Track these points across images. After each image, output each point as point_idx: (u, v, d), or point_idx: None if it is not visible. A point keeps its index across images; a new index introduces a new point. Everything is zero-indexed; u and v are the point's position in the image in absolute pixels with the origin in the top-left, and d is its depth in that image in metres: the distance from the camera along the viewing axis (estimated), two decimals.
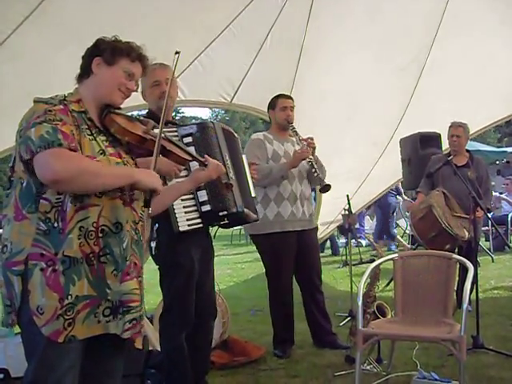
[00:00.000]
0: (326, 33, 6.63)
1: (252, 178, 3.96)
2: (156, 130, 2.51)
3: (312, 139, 4.96)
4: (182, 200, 3.41)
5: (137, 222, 2.44)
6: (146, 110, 3.92)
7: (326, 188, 4.93)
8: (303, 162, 4.94)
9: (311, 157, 4.86)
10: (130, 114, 2.58)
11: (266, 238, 5.02)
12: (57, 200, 2.22)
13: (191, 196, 3.45)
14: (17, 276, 2.21)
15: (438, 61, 7.35)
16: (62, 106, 2.28)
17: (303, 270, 5.14)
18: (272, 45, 6.40)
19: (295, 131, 5.01)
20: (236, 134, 3.92)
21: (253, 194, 3.86)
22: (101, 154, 2.32)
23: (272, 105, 5.19)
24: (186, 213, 3.42)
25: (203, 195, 3.45)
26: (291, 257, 5.03)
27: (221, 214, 3.46)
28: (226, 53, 6.15)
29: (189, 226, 3.42)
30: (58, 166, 2.13)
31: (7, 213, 2.29)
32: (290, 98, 5.23)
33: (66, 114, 2.27)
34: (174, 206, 3.38)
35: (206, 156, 2.93)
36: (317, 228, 5.57)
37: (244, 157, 3.92)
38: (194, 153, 2.80)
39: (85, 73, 2.46)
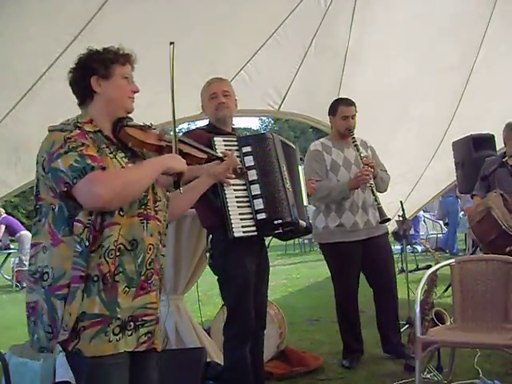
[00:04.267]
0: (371, 35, 6.58)
1: (308, 190, 3.96)
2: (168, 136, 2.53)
3: (369, 160, 4.85)
4: (239, 207, 3.44)
5: (161, 232, 2.47)
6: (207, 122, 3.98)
7: (385, 221, 4.83)
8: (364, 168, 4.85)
9: (372, 182, 4.75)
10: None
11: (330, 247, 4.98)
12: (88, 221, 2.22)
13: (247, 204, 3.47)
14: (60, 300, 2.21)
15: (488, 58, 7.22)
16: (78, 131, 2.28)
17: (375, 277, 5.04)
18: (317, 50, 6.40)
19: (356, 145, 4.88)
20: (293, 144, 3.93)
21: (305, 203, 3.83)
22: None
23: (332, 110, 5.04)
24: (241, 219, 3.44)
25: (259, 203, 3.47)
26: (355, 266, 4.94)
27: (276, 222, 3.46)
28: (271, 61, 6.17)
29: (244, 232, 3.44)
30: (101, 190, 2.16)
31: (41, 240, 2.29)
32: (351, 104, 5.02)
33: (84, 137, 2.27)
34: (230, 213, 3.41)
35: (224, 151, 2.96)
36: (387, 233, 5.28)
37: (300, 168, 3.92)
38: (210, 150, 2.82)
39: (87, 96, 2.44)
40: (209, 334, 4.94)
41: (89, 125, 2.35)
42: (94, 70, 2.41)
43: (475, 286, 4.05)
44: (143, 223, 2.37)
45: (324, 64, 6.68)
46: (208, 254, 3.67)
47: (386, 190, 5.13)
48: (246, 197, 3.45)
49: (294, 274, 11.28)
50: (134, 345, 2.34)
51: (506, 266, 3.99)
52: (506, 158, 5.69)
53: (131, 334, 2.33)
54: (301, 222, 3.60)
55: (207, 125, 3.90)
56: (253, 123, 50.10)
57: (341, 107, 4.98)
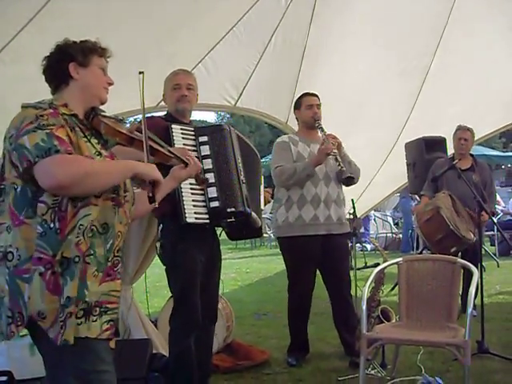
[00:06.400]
0: (329, 35, 6.62)
1: (265, 198, 4.02)
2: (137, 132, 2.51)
3: (335, 137, 4.82)
4: (192, 194, 3.44)
5: (126, 223, 2.43)
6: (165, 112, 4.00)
7: (349, 181, 4.77)
8: (331, 162, 4.83)
9: (335, 151, 4.68)
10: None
11: (288, 242, 4.90)
12: (53, 201, 2.17)
13: (201, 192, 3.48)
14: (29, 283, 2.14)
15: (444, 65, 7.34)
16: (51, 110, 2.23)
17: (331, 278, 4.95)
18: (276, 47, 6.40)
19: (321, 127, 4.85)
20: (257, 153, 4.01)
21: (262, 207, 3.91)
22: (97, 155, 2.31)
23: (297, 105, 5.06)
24: (194, 206, 3.44)
25: (213, 191, 3.48)
26: (312, 262, 4.85)
27: (229, 210, 3.47)
28: (230, 56, 6.15)
29: (196, 219, 3.44)
30: (60, 172, 2.09)
31: (5, 221, 2.22)
32: (315, 95, 5.03)
33: (57, 116, 2.22)
34: (184, 198, 3.41)
35: (188, 154, 2.92)
36: (348, 233, 5.21)
37: (262, 177, 4.04)
38: (178, 154, 2.78)
39: (62, 81, 2.40)
40: (156, 325, 4.92)
41: (64, 108, 2.30)
42: (73, 57, 2.38)
43: (421, 284, 4.13)
44: (115, 208, 2.34)
45: (282, 61, 6.68)
46: (158, 244, 3.66)
47: (356, 180, 4.98)
48: None
49: (244, 268, 11.32)
50: (98, 332, 2.26)
51: (452, 266, 4.07)
52: (456, 160, 5.81)
53: (95, 320, 2.26)
54: (253, 214, 3.63)
55: (165, 114, 3.91)
56: (209, 116, 50.03)
57: (304, 98, 5.02)
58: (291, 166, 4.80)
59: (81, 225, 2.19)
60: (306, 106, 4.96)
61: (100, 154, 2.32)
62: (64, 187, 2.12)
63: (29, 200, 2.18)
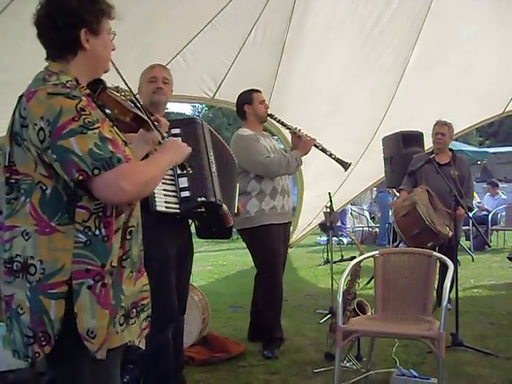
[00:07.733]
0: (309, 29, 6.63)
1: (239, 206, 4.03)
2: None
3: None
4: (163, 183, 3.42)
5: None
6: None
7: (349, 166, 5.13)
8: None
9: (319, 142, 4.97)
10: None
11: (261, 230, 4.89)
12: (96, 206, 1.92)
13: (172, 182, 3.46)
14: (57, 300, 1.88)
15: (421, 60, 7.39)
16: (85, 98, 1.91)
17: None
18: (255, 41, 6.39)
19: (282, 122, 5.03)
20: (234, 156, 3.99)
21: (235, 210, 3.89)
22: (125, 145, 2.05)
23: (248, 99, 5.09)
24: (165, 195, 3.42)
25: (184, 182, 3.46)
26: (281, 250, 5.00)
27: (199, 199, 3.44)
28: (208, 48, 6.13)
29: (166, 208, 3.42)
30: (129, 185, 1.86)
31: (20, 224, 1.92)
32: (260, 91, 5.19)
33: (92, 106, 1.92)
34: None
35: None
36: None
37: (238, 185, 4.04)
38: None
39: (69, 51, 2.01)
40: None
41: (80, 87, 1.98)
42: (86, 23, 2.00)
43: (397, 278, 4.15)
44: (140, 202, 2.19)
45: (261, 55, 6.69)
46: None
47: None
48: (172, 175, 3.44)
49: (221, 261, 11.28)
50: (138, 333, 2.13)
51: (427, 260, 4.10)
52: (433, 155, 5.85)
53: (134, 322, 2.10)
54: (224, 207, 3.60)
55: None
56: (185, 109, 49.87)
57: (254, 94, 5.11)
58: (282, 156, 4.96)
59: (120, 229, 2.01)
60: (260, 102, 5.09)
61: (126, 143, 2.08)
62: (131, 199, 1.96)
63: (63, 205, 1.91)
